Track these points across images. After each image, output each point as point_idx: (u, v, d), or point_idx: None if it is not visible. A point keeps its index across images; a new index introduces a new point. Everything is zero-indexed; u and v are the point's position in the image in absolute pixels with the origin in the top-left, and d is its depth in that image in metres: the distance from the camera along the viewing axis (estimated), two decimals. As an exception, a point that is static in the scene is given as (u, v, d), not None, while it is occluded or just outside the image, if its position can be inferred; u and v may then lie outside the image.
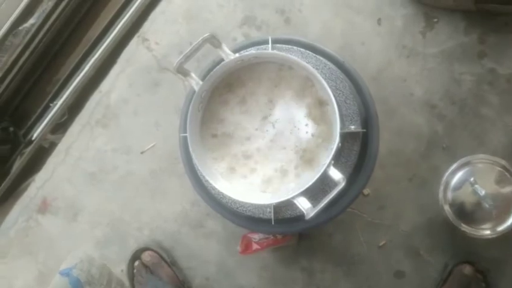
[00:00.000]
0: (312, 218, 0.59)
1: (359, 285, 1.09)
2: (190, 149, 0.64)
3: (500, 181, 0.99)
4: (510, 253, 1.05)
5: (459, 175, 1.01)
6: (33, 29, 1.21)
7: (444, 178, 1.02)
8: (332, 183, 0.60)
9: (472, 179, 0.99)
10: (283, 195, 0.62)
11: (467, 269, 1.01)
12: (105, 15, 1.26)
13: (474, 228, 0.99)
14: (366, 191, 1.10)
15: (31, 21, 1.23)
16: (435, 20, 1.10)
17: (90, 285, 0.84)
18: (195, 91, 0.65)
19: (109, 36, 1.24)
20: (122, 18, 1.24)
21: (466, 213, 0.99)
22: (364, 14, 1.12)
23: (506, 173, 0.99)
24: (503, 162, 0.99)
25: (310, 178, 0.61)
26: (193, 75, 0.65)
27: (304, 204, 0.59)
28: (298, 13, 1.14)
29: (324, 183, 0.68)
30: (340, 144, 0.63)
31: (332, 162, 0.60)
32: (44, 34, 1.22)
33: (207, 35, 0.63)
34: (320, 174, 0.58)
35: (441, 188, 1.02)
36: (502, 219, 0.98)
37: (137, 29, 1.21)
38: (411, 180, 1.08)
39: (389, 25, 1.12)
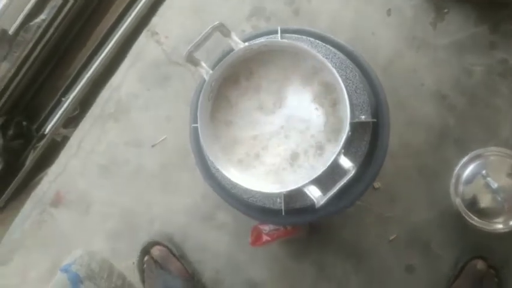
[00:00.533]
0: (323, 207, 0.59)
1: (370, 279, 1.08)
2: (201, 139, 0.65)
3: (513, 174, 0.98)
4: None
5: (471, 168, 1.00)
6: (44, 24, 1.23)
7: (456, 171, 1.01)
8: (343, 173, 0.60)
9: (484, 172, 0.98)
10: (294, 183, 0.62)
11: (480, 264, 1.00)
12: (115, 10, 1.27)
13: (486, 222, 0.98)
14: (377, 185, 1.09)
15: (42, 16, 1.24)
16: (446, 10, 1.09)
17: (90, 280, 0.84)
18: (205, 80, 0.65)
19: (118, 31, 1.25)
20: (132, 13, 1.24)
21: (478, 206, 0.98)
22: (374, 4, 1.12)
23: (520, 165, 0.97)
24: (515, 153, 0.98)
25: (320, 167, 0.61)
26: (203, 64, 0.66)
27: (314, 193, 0.59)
28: (308, 4, 1.14)
29: (334, 172, 0.68)
30: (350, 133, 0.63)
31: (342, 151, 0.60)
32: (55, 29, 1.23)
33: (216, 23, 0.63)
34: (330, 162, 0.58)
35: (453, 181, 1.00)
36: (515, 213, 0.97)
37: (147, 23, 1.22)
38: (422, 173, 1.07)
39: (399, 16, 1.11)
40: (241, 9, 1.16)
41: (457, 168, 1.01)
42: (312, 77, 0.70)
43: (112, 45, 1.25)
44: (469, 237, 1.04)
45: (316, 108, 0.69)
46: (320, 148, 0.67)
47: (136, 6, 1.24)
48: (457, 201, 1.00)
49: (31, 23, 1.23)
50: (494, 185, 0.97)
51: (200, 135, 0.65)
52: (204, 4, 1.19)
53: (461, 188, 1.00)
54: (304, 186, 0.59)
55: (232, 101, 0.71)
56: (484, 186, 0.98)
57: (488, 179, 0.98)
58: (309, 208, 0.72)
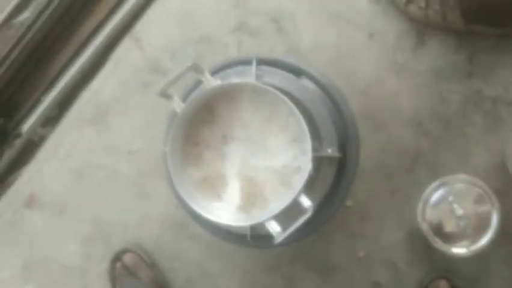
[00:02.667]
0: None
1: (337, 293, 1.11)
2: (170, 169, 0.65)
3: (478, 202, 1.00)
4: (484, 271, 1.07)
5: (438, 193, 1.02)
6: (28, 22, 1.21)
7: (424, 195, 1.03)
8: (304, 209, 0.62)
9: (450, 198, 1.01)
10: (257, 217, 0.63)
11: (443, 284, 1.04)
12: (99, 12, 1.26)
13: (449, 246, 1.01)
14: (349, 203, 1.11)
15: (26, 14, 1.23)
16: (427, 37, 1.10)
17: None
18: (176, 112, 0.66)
19: (102, 33, 1.24)
20: (116, 16, 1.23)
21: (443, 231, 1.01)
22: (357, 26, 1.12)
23: (484, 194, 1.00)
24: (481, 183, 1.00)
25: (285, 201, 0.62)
26: (175, 98, 0.67)
27: (275, 228, 0.61)
28: (291, 23, 1.14)
29: (297, 208, 0.70)
30: (312, 172, 0.65)
31: (304, 190, 0.61)
32: (39, 27, 1.22)
33: (189, 64, 0.64)
34: (289, 202, 0.60)
35: (421, 204, 1.03)
36: (477, 238, 1.00)
37: (131, 27, 1.21)
38: (394, 195, 1.10)
39: (380, 39, 1.12)
40: (226, 23, 1.16)
41: (426, 192, 1.03)
42: (281, 114, 0.71)
43: (95, 48, 1.24)
44: (435, 258, 1.07)
45: (284, 146, 0.70)
46: (287, 183, 0.69)
47: (121, 10, 1.23)
48: (423, 224, 1.02)
49: (15, 20, 1.22)
50: (459, 212, 0.99)
51: (169, 165, 0.66)
52: (189, 15, 1.18)
53: (427, 211, 1.02)
54: (265, 221, 0.61)
55: (201, 133, 0.72)
56: (450, 212, 1.00)
57: (455, 205, 1.00)
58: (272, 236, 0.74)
